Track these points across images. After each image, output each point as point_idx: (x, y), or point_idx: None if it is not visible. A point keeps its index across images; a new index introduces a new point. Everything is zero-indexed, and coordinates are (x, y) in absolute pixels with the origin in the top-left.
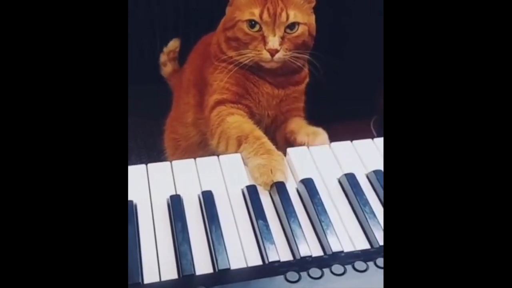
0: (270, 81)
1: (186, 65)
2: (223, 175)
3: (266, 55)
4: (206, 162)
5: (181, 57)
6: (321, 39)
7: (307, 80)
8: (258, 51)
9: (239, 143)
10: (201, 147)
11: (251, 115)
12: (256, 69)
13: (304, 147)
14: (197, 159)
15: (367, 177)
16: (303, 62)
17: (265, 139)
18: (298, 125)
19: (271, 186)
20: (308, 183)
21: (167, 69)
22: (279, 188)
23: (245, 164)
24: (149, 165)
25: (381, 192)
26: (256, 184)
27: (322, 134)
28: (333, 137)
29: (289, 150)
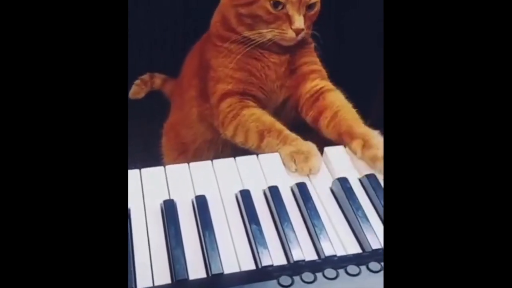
0: (274, 50)
1: (184, 67)
2: (216, 179)
3: (291, 34)
4: (199, 167)
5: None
6: (318, 43)
7: (313, 43)
8: (283, 30)
9: (261, 137)
10: (212, 144)
11: (258, 101)
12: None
13: None
14: (191, 163)
15: (360, 181)
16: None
17: (288, 131)
18: (351, 114)
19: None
20: (301, 187)
21: (141, 93)
22: (272, 192)
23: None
24: (143, 170)
25: (374, 196)
26: (292, 171)
27: (378, 154)
28: (327, 141)
29: None
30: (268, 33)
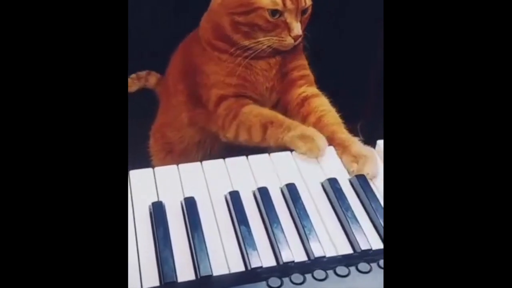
0: (263, 55)
1: (170, 68)
2: (206, 181)
3: (290, 41)
4: (188, 168)
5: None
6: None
7: (301, 43)
8: (282, 37)
9: (264, 129)
10: (200, 146)
11: (255, 100)
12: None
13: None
14: (180, 165)
15: (350, 182)
16: None
17: (289, 119)
18: (334, 119)
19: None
20: (290, 188)
21: (132, 87)
22: (262, 193)
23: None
24: (131, 171)
25: (363, 197)
26: (301, 154)
27: (372, 161)
28: None
29: (272, 154)
30: (266, 41)
